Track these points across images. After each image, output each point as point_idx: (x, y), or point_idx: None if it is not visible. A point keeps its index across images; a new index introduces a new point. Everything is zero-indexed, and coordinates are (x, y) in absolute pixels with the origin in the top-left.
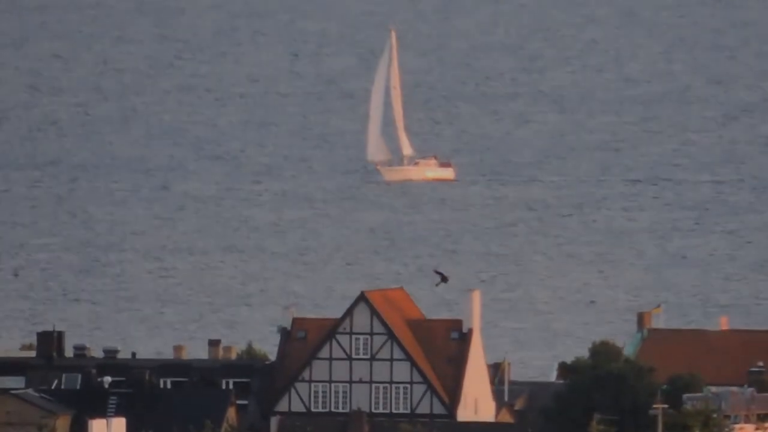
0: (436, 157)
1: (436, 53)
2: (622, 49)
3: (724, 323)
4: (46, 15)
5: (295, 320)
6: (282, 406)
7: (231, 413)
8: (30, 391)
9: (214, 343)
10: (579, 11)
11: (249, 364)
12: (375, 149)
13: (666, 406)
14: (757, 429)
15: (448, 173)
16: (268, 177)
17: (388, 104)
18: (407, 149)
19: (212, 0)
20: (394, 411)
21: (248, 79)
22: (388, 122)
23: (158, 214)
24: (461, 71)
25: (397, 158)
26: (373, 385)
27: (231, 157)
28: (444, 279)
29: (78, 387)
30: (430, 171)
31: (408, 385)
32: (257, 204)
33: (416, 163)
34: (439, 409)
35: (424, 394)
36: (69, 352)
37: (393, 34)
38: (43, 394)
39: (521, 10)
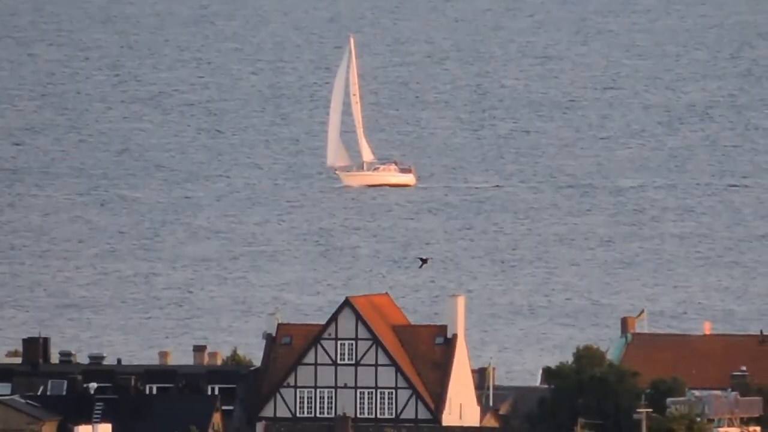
0: (396, 163)
1: (392, 58)
2: (575, 54)
3: (707, 328)
4: None
5: (280, 326)
6: (267, 411)
7: (216, 419)
8: (16, 397)
9: (199, 349)
10: (532, 17)
11: (234, 370)
12: (334, 155)
13: (650, 410)
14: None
15: (408, 179)
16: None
17: (347, 110)
18: (367, 155)
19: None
20: (379, 416)
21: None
22: (348, 128)
23: (135, 219)
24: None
25: (356, 164)
26: (359, 391)
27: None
28: (424, 261)
29: (64, 393)
30: (390, 176)
31: (393, 391)
32: (235, 211)
33: (376, 169)
34: (424, 414)
35: (409, 400)
36: (55, 359)
37: (352, 40)
38: (29, 401)
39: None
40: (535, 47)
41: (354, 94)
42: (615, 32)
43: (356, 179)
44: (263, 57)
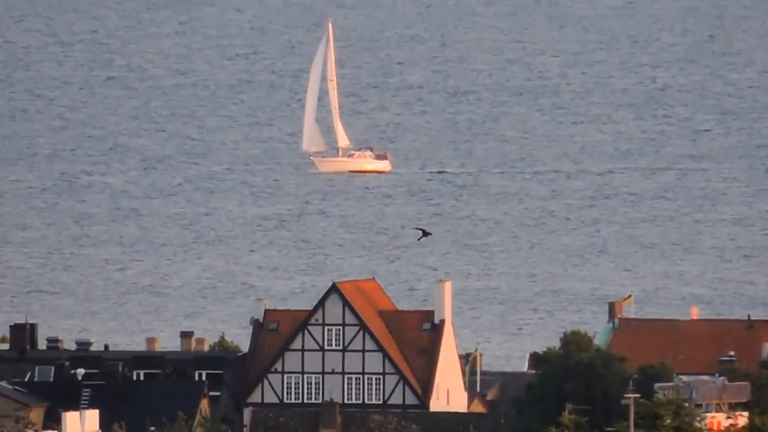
0: (371, 149)
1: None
2: (539, 41)
3: (694, 313)
4: None
5: (267, 312)
6: (255, 397)
7: (204, 405)
8: (3, 383)
9: (186, 335)
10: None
11: (221, 356)
12: (310, 140)
13: (637, 395)
14: (728, 418)
15: (384, 165)
16: (224, 170)
17: (323, 96)
18: (343, 140)
19: None
20: (366, 402)
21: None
22: (324, 113)
23: (121, 206)
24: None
25: (332, 149)
26: (346, 376)
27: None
28: (425, 234)
29: (51, 379)
30: (366, 163)
31: (380, 376)
32: (221, 196)
33: (351, 155)
34: (411, 399)
35: (396, 385)
36: (42, 345)
37: (330, 26)
38: (16, 387)
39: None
40: (507, 33)
41: (331, 80)
42: (589, 17)
43: (331, 165)
44: (238, 42)
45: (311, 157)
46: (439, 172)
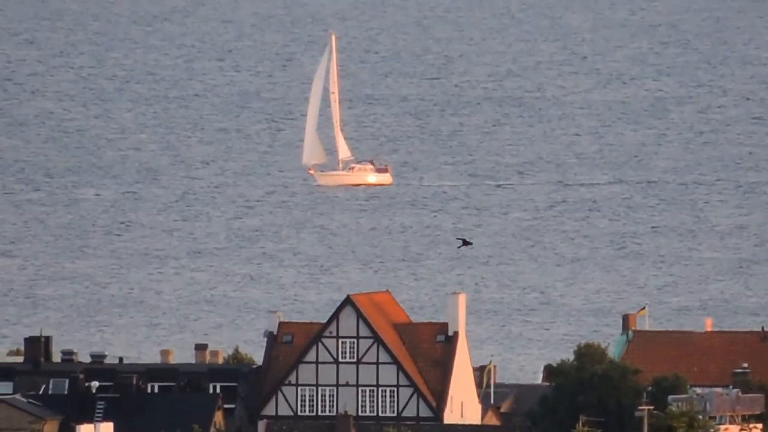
0: (372, 162)
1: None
2: (535, 51)
3: (708, 325)
4: None
5: (281, 324)
6: (269, 410)
7: (218, 417)
8: (18, 396)
9: (200, 348)
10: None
11: (236, 369)
12: (310, 153)
13: (651, 407)
14: (741, 430)
15: (385, 178)
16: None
17: (325, 108)
18: (344, 152)
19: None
20: (380, 414)
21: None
22: (326, 126)
23: (130, 219)
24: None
25: (333, 162)
26: (360, 389)
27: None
28: (465, 243)
29: (65, 392)
30: (366, 176)
31: (394, 389)
32: (233, 208)
33: (351, 168)
34: (425, 412)
35: (410, 398)
36: (56, 357)
37: (333, 38)
38: (30, 400)
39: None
40: (493, 43)
41: (333, 92)
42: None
43: (331, 179)
44: (225, 54)
45: (311, 171)
46: (443, 185)
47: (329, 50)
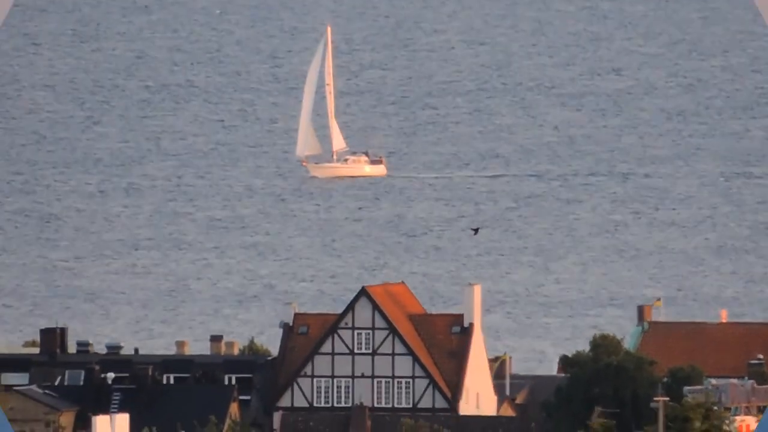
0: (367, 154)
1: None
2: (527, 44)
3: (723, 316)
4: None
5: (296, 315)
6: (284, 401)
7: (234, 409)
8: (34, 387)
9: (216, 339)
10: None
11: (251, 360)
12: (304, 144)
13: (667, 398)
14: (757, 421)
15: (379, 170)
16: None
17: (320, 100)
18: (338, 143)
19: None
20: (396, 405)
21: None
22: (321, 117)
23: (144, 210)
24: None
25: (328, 153)
26: (375, 380)
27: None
28: (476, 231)
29: (81, 383)
30: (360, 168)
31: (410, 380)
32: (243, 199)
33: (346, 160)
34: (441, 403)
35: (426, 389)
36: (72, 348)
37: (328, 30)
38: (46, 391)
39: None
40: (482, 34)
41: (328, 84)
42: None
43: (325, 170)
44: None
45: (305, 162)
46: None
47: (324, 42)
